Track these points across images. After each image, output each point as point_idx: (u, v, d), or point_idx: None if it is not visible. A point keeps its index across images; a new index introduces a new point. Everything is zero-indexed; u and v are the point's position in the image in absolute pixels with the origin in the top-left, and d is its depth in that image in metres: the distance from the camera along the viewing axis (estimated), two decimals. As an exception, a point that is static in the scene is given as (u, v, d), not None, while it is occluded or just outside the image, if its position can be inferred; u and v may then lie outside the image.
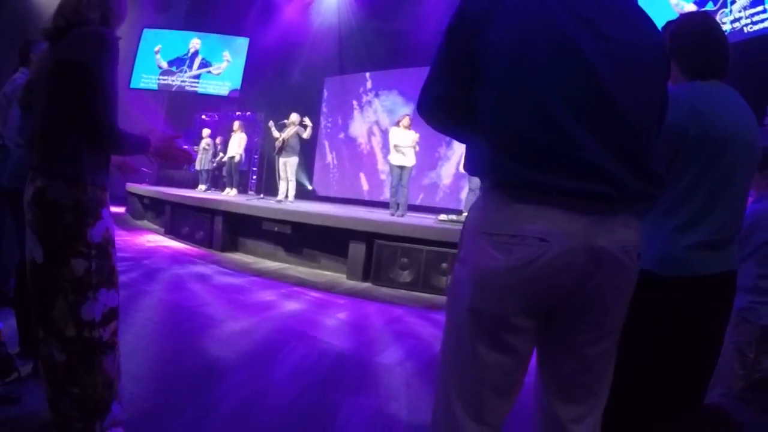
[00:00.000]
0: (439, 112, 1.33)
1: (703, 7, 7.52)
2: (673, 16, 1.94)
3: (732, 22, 7.28)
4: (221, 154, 11.98)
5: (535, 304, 1.16)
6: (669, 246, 1.65)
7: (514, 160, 1.11)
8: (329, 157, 15.15)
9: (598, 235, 1.11)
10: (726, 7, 7.39)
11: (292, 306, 4.95)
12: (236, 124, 11.57)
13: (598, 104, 1.10)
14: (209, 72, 15.75)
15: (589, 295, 1.15)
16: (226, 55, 15.58)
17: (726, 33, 7.44)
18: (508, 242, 1.12)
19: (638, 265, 1.22)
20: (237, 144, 11.36)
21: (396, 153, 8.16)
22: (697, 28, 1.75)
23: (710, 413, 2.29)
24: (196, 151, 12.66)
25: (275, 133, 9.47)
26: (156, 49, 15.72)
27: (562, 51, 1.09)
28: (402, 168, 8.09)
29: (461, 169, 8.32)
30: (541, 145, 1.10)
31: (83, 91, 1.77)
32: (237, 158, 11.46)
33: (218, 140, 12.65)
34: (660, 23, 1.55)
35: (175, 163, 2.16)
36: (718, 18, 7.38)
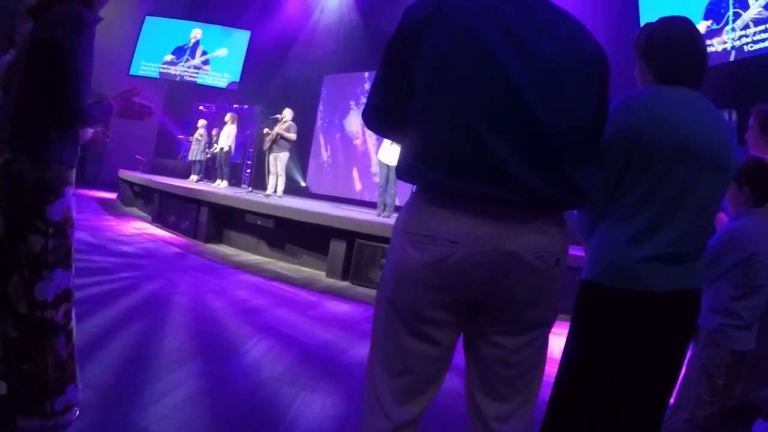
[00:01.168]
0: (376, 119, 1.44)
1: (710, 24, 7.56)
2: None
3: (734, 40, 7.30)
4: (215, 146, 11.96)
5: (449, 299, 1.24)
6: (618, 257, 1.58)
7: (433, 167, 1.19)
8: (324, 155, 15.14)
9: (509, 240, 1.17)
10: (728, 25, 7.41)
11: (266, 300, 4.96)
12: (228, 116, 11.53)
13: (517, 117, 1.14)
14: (208, 60, 15.73)
15: (501, 293, 1.22)
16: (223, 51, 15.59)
17: (728, 51, 7.37)
18: (422, 241, 1.21)
19: (557, 270, 1.25)
20: (227, 136, 11.33)
21: (384, 151, 8.19)
22: (673, 33, 1.66)
23: None
24: (190, 142, 12.66)
25: (266, 130, 9.46)
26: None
27: (485, 66, 1.14)
28: (389, 167, 8.10)
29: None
30: (456, 153, 1.16)
31: (53, 70, 1.77)
32: (226, 150, 11.42)
33: (213, 132, 12.63)
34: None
35: (138, 117, 2.13)
36: (722, 36, 7.42)
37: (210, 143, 12.50)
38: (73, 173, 1.94)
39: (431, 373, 1.31)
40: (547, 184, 1.17)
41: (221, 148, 11.39)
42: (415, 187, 1.29)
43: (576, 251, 2.21)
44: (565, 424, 1.69)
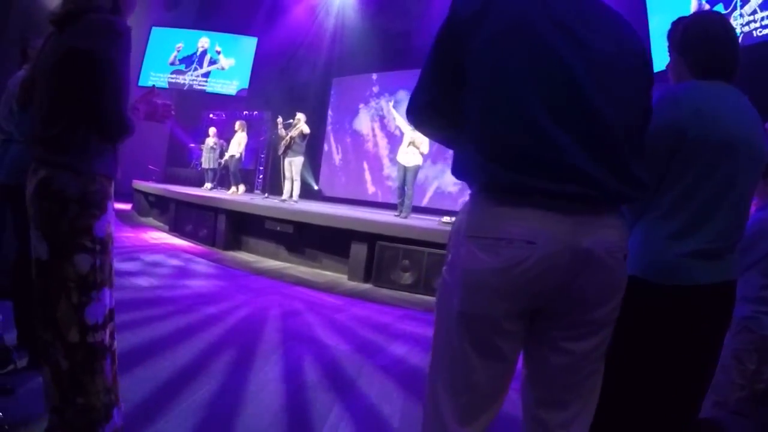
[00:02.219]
0: (427, 118, 1.39)
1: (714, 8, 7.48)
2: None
3: (742, 25, 7.22)
4: (225, 154, 12.00)
5: (523, 305, 1.18)
6: (662, 253, 1.58)
7: (499, 163, 1.14)
8: (336, 158, 15.16)
9: (583, 236, 1.13)
10: (736, 10, 7.33)
11: (291, 306, 4.94)
12: (237, 124, 11.54)
13: (578, 110, 1.12)
14: (217, 69, 15.79)
15: (573, 294, 1.17)
16: (231, 60, 15.65)
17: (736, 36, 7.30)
18: (494, 245, 1.14)
19: (624, 267, 1.23)
20: (237, 143, 11.34)
21: (401, 152, 8.18)
22: (711, 26, 1.67)
23: (706, 427, 2.23)
24: (202, 150, 12.71)
25: (281, 132, 9.49)
26: (178, 46, 15.80)
27: (543, 59, 1.12)
28: (405, 168, 8.08)
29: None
30: (524, 149, 1.12)
31: (94, 82, 1.71)
32: (237, 156, 11.44)
33: (221, 141, 12.66)
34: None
35: (162, 118, 2.10)
36: (730, 21, 7.33)
37: (222, 152, 12.54)
38: (113, 186, 1.88)
39: (496, 390, 1.25)
40: (614, 177, 1.14)
41: (232, 156, 11.41)
42: (474, 186, 1.24)
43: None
44: (610, 419, 1.67)
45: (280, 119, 9.70)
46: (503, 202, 1.15)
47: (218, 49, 15.75)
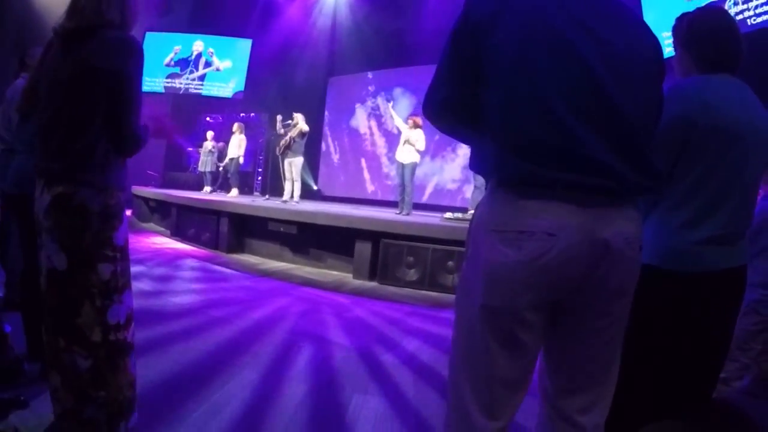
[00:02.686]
0: (444, 114, 1.38)
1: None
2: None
3: (736, 14, 7.22)
4: (225, 157, 12.00)
5: (544, 297, 1.20)
6: (675, 241, 1.64)
7: (520, 157, 1.15)
8: (334, 158, 15.17)
9: (603, 228, 1.15)
10: (730, -1, 7.34)
11: (299, 306, 4.96)
12: (236, 126, 11.57)
13: (597, 103, 1.15)
14: (213, 70, 15.77)
15: (593, 285, 1.19)
16: (227, 62, 15.63)
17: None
18: (516, 238, 1.16)
19: (640, 257, 1.26)
20: (237, 146, 11.35)
21: (400, 150, 8.21)
22: (714, 21, 1.74)
23: (719, 407, 2.27)
24: (200, 153, 12.71)
25: (281, 131, 9.52)
26: (176, 48, 15.79)
27: (562, 54, 1.15)
28: (403, 165, 8.10)
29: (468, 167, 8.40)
30: (545, 142, 1.14)
31: (118, 100, 1.77)
32: (236, 159, 11.45)
33: (220, 144, 12.65)
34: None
35: (168, 135, 2.25)
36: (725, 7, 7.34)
37: (221, 155, 12.53)
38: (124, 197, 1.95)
39: (520, 382, 1.27)
40: (632, 169, 1.16)
41: (231, 158, 11.40)
42: (493, 180, 1.26)
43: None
44: (628, 402, 1.71)
45: (279, 117, 9.73)
46: (524, 195, 1.16)
47: (211, 51, 15.71)
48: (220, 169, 12.34)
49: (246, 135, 11.89)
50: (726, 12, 1.81)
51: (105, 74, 1.75)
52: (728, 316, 1.76)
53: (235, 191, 11.35)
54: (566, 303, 1.23)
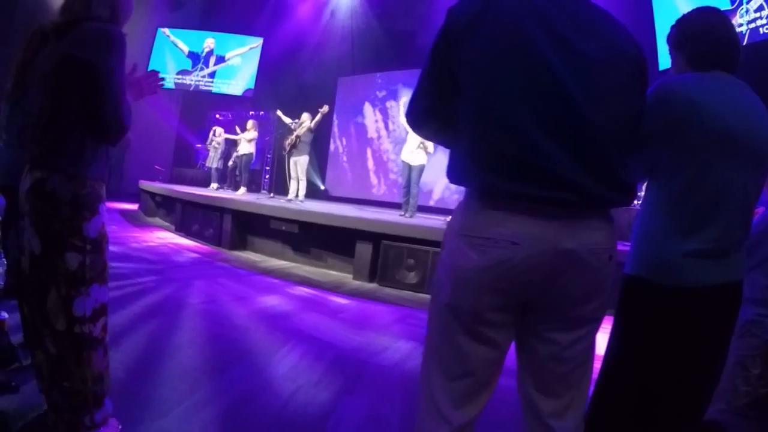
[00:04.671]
0: (424, 122, 1.46)
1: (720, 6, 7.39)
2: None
3: (748, 22, 7.15)
4: (234, 153, 12.00)
5: (508, 300, 1.25)
6: (665, 252, 1.56)
7: (487, 170, 1.20)
8: (341, 157, 15.16)
9: (565, 239, 1.19)
10: (742, 6, 7.25)
11: (296, 305, 4.95)
12: (250, 123, 11.54)
13: (567, 119, 1.17)
14: (225, 65, 15.84)
15: (557, 291, 1.24)
16: (238, 59, 15.69)
17: (742, 34, 7.22)
18: (482, 244, 1.21)
19: (610, 267, 1.27)
20: (249, 142, 11.37)
21: (406, 152, 8.18)
22: (702, 17, 1.68)
23: (709, 428, 2.20)
24: (209, 150, 12.75)
25: (286, 120, 9.58)
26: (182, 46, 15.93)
27: (533, 67, 1.17)
28: (411, 167, 8.07)
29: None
30: (511, 157, 1.17)
31: (94, 90, 1.78)
32: (248, 155, 11.46)
33: (219, 137, 12.68)
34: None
35: (151, 90, 2.15)
36: (735, 18, 7.26)
37: (228, 151, 12.54)
38: (104, 189, 1.95)
39: (489, 374, 1.32)
40: (598, 183, 1.18)
41: (242, 154, 11.40)
42: (466, 189, 1.31)
43: (622, 246, 2.17)
44: (609, 417, 1.69)
45: (279, 112, 9.84)
46: (491, 205, 1.21)
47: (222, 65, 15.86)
48: (229, 164, 12.35)
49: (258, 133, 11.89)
50: (716, 10, 1.73)
51: (83, 65, 1.76)
52: (721, 335, 1.67)
53: (242, 189, 11.31)
54: (532, 305, 1.27)
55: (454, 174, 1.31)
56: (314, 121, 9.21)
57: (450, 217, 1.47)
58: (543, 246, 1.17)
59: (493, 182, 1.19)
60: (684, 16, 1.73)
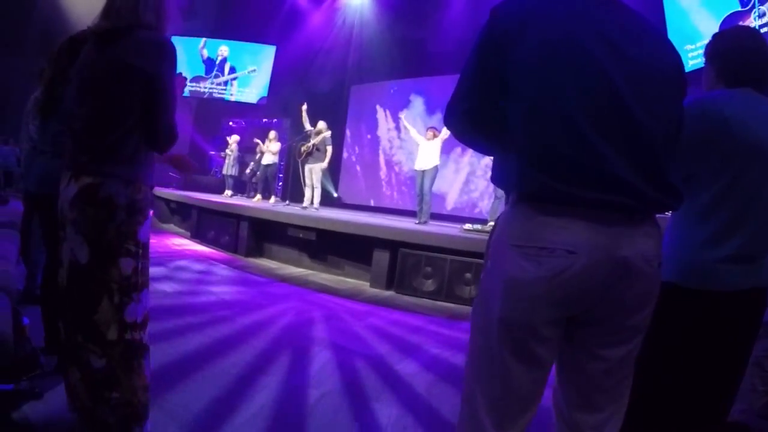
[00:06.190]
0: (466, 125, 1.38)
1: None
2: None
3: (761, 26, 7.09)
4: (258, 161, 12.05)
5: (563, 312, 1.21)
6: (696, 258, 1.63)
7: (542, 172, 1.16)
8: (355, 165, 15.20)
9: (623, 247, 1.16)
10: (755, 9, 7.22)
11: (316, 312, 4.96)
12: (272, 134, 11.53)
13: (619, 120, 1.15)
14: (237, 78, 15.95)
15: (611, 302, 1.20)
16: (252, 68, 15.82)
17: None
18: (537, 254, 1.16)
19: (659, 274, 1.26)
20: (273, 152, 11.37)
21: (419, 160, 8.23)
22: (739, 35, 1.76)
23: (731, 429, 2.22)
24: (223, 157, 12.82)
25: (307, 126, 9.61)
26: (200, 45, 16.07)
27: (586, 70, 1.15)
28: (423, 173, 8.09)
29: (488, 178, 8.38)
30: (568, 159, 1.14)
31: (152, 99, 1.81)
32: (274, 166, 11.47)
33: (233, 144, 12.74)
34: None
35: (187, 169, 2.35)
36: (749, 19, 7.24)
37: (242, 158, 12.59)
38: (152, 193, 1.97)
39: (533, 395, 1.27)
40: (652, 187, 1.17)
41: (268, 165, 11.38)
42: (514, 194, 1.26)
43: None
44: (643, 420, 1.69)
45: (304, 107, 9.83)
46: (545, 211, 1.17)
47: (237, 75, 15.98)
48: (247, 171, 12.39)
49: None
50: (754, 30, 1.84)
51: (141, 72, 1.79)
52: (747, 338, 1.73)
53: (273, 199, 11.33)
54: (584, 318, 1.23)
55: (502, 177, 1.29)
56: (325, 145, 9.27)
57: (492, 223, 1.45)
58: (601, 254, 1.14)
59: (547, 183, 1.14)
60: (721, 31, 1.84)
